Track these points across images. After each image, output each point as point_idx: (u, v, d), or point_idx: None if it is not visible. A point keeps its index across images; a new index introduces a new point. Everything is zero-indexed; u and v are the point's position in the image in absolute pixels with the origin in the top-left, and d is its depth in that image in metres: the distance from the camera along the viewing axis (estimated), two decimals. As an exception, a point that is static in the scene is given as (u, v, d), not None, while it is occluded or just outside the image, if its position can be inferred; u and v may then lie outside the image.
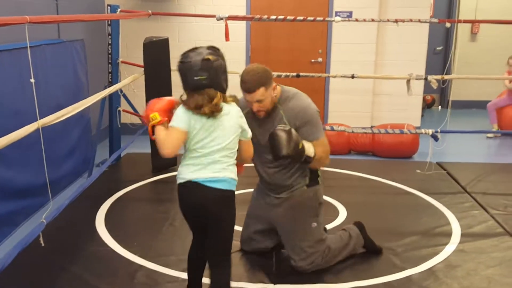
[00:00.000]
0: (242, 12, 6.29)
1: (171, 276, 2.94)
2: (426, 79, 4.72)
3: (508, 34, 7.67)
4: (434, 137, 4.73)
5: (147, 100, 4.66)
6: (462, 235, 3.54)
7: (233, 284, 2.53)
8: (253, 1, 6.32)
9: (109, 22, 5.00)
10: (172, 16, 5.87)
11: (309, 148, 2.75)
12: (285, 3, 6.34)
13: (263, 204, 3.11)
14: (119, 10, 4.91)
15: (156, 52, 4.47)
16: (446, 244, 3.39)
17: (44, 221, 2.77)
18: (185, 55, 2.35)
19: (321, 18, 4.80)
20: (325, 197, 3.90)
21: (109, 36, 5.02)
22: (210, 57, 2.30)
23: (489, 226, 3.69)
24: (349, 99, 6.54)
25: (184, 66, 2.32)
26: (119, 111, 5.20)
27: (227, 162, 2.39)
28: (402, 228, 3.67)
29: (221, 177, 2.36)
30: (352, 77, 5.01)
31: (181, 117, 2.34)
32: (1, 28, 2.42)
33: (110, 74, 5.08)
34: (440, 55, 8.91)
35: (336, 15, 6.29)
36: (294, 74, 5.00)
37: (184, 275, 2.73)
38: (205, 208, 2.38)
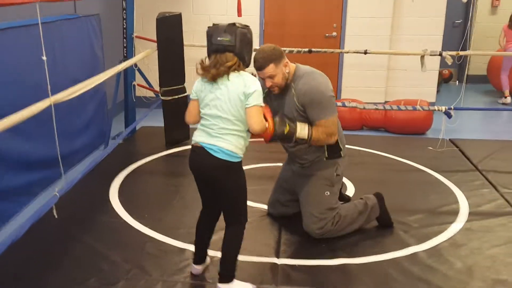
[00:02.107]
0: (257, -14, 6.25)
1: (179, 248, 3.04)
2: (441, 55, 4.66)
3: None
4: (447, 114, 4.71)
5: (160, 75, 4.73)
6: (470, 213, 3.56)
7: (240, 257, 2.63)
8: (267, -26, 6.27)
9: (123, -4, 5.02)
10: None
11: (301, 131, 2.88)
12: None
13: (290, 171, 3.32)
14: (133, -16, 4.92)
15: (169, 27, 4.50)
16: (453, 222, 3.42)
17: (57, 194, 2.88)
18: (216, 23, 2.49)
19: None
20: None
21: (124, 11, 5.05)
22: (237, 24, 2.44)
23: (498, 205, 3.71)
24: (363, 74, 6.50)
25: (211, 29, 2.45)
26: (134, 85, 5.26)
27: (228, 132, 2.45)
28: (410, 205, 3.71)
29: (218, 146, 2.44)
30: (365, 53, 4.99)
31: (193, 88, 2.55)
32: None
33: (125, 49, 5.13)
34: (459, 29, 8.76)
35: (351, -12, 6.21)
36: (306, 49, 4.96)
37: (192, 247, 2.82)
38: (205, 173, 2.52)
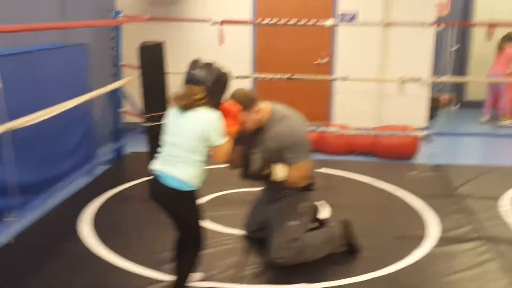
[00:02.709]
0: (249, 14, 6.40)
1: (138, 274, 3.08)
2: (419, 80, 4.71)
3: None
4: (428, 139, 4.73)
5: (144, 102, 4.84)
6: (440, 238, 3.55)
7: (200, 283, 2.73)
8: (259, 3, 6.42)
9: (113, 27, 5.20)
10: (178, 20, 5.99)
11: (280, 173, 2.99)
12: (290, 5, 6.41)
13: (264, 197, 3.41)
14: (121, 15, 5.10)
15: (151, 55, 4.63)
16: (420, 247, 3.42)
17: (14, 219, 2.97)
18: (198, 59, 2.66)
19: (312, 23, 4.83)
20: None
21: (112, 40, 5.23)
22: (216, 64, 2.61)
23: (468, 231, 3.69)
24: (354, 99, 6.55)
25: (192, 62, 2.62)
26: (121, 112, 5.40)
27: (184, 161, 2.53)
28: (381, 229, 3.72)
29: (172, 174, 2.53)
30: (344, 79, 5.06)
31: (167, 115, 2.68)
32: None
33: (113, 77, 5.29)
34: (456, 54, 8.77)
35: (340, 16, 6.33)
36: (285, 77, 5.06)
37: (154, 273, 2.88)
38: (161, 200, 2.62)
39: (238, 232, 3.60)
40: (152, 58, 4.64)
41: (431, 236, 3.59)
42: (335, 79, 5.18)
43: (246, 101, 2.92)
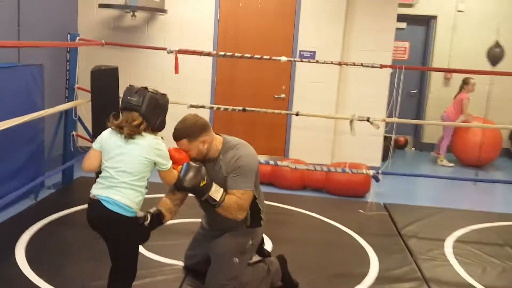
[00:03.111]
0: (210, 46, 6.46)
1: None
2: (368, 120, 4.80)
3: (479, 80, 7.76)
4: (375, 178, 4.79)
5: (93, 127, 4.78)
6: (377, 278, 3.56)
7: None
8: (220, 36, 6.49)
9: (68, 49, 5.16)
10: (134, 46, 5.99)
11: (215, 192, 2.82)
12: (251, 40, 6.50)
13: (206, 230, 3.30)
14: (77, 38, 5.08)
15: (104, 80, 4.60)
16: (356, 285, 3.41)
17: None
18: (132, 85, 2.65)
19: (268, 57, 4.90)
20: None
21: (68, 62, 5.18)
22: (151, 89, 2.60)
23: (407, 271, 3.71)
24: (310, 135, 6.62)
25: (127, 88, 2.62)
26: (73, 135, 5.31)
27: (127, 186, 2.51)
28: (321, 266, 3.71)
29: (113, 198, 2.50)
30: (297, 114, 5.13)
31: (100, 138, 2.65)
32: None
33: (66, 99, 5.22)
34: (414, 98, 9.03)
35: (299, 54, 6.45)
36: (241, 108, 5.09)
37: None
38: (100, 225, 2.58)
39: (178, 263, 3.52)
40: (103, 82, 4.61)
41: (370, 275, 3.59)
42: (287, 113, 5.22)
43: (193, 130, 2.87)
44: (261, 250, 3.42)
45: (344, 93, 6.63)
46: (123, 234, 2.57)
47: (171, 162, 2.67)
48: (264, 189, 5.72)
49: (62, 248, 3.79)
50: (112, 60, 6.09)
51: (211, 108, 5.48)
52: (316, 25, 6.44)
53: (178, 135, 2.88)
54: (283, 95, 6.61)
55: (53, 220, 4.27)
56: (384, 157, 7.89)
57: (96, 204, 2.54)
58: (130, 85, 2.64)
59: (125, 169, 2.51)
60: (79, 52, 5.47)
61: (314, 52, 6.48)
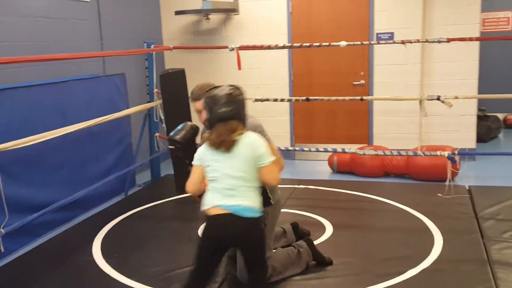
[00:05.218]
0: (285, 39, 6.53)
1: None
2: (438, 98, 4.53)
3: None
4: (451, 159, 4.51)
5: (167, 128, 5.11)
6: (436, 260, 3.37)
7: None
8: (294, 28, 6.53)
9: (146, 57, 5.58)
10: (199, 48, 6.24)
11: None
12: (325, 27, 6.45)
13: None
14: (152, 46, 5.47)
15: (172, 82, 4.90)
16: (411, 268, 3.27)
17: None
18: (209, 91, 2.61)
19: (337, 43, 4.85)
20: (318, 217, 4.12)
21: (146, 69, 5.60)
22: (233, 91, 2.56)
23: (471, 253, 3.46)
24: (395, 120, 6.39)
25: (210, 100, 2.56)
26: (156, 136, 5.72)
27: (248, 190, 2.51)
28: (375, 250, 3.64)
29: (243, 205, 2.47)
30: (361, 99, 4.99)
31: (198, 154, 2.60)
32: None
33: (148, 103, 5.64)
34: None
35: (377, 36, 6.26)
36: (304, 98, 5.09)
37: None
38: (235, 238, 2.53)
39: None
40: (172, 84, 4.91)
41: (429, 258, 3.41)
42: (350, 99, 5.10)
43: (201, 92, 2.96)
44: (298, 231, 3.49)
45: (429, 73, 6.28)
46: (262, 237, 2.59)
47: (273, 158, 2.57)
48: (344, 177, 5.73)
49: (135, 239, 4.11)
50: (192, 63, 6.46)
51: (291, 100, 5.52)
52: (392, 3, 6.21)
53: (199, 96, 2.99)
54: (362, 81, 6.45)
55: (133, 214, 4.65)
56: (487, 138, 7.37)
57: (224, 216, 2.47)
58: (210, 91, 2.57)
59: (238, 174, 2.48)
60: (165, 58, 5.84)
61: (392, 33, 6.24)
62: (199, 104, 3.02)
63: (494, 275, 3.12)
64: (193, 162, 2.59)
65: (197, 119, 3.14)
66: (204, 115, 2.96)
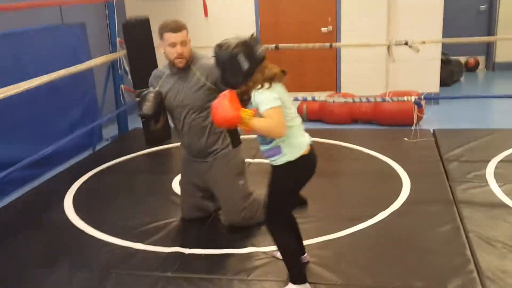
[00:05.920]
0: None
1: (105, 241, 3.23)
2: (406, 43, 4.55)
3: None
4: (417, 104, 4.59)
5: (132, 77, 4.99)
6: (404, 203, 3.48)
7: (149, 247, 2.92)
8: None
9: (106, 5, 5.36)
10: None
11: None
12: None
13: (194, 172, 3.31)
14: (112, -7, 5.25)
15: (137, 31, 4.74)
16: (381, 210, 3.37)
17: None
18: (228, 43, 2.39)
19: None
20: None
21: (107, 18, 5.39)
22: (248, 37, 2.41)
23: (438, 194, 3.59)
24: (361, 67, 6.41)
25: (247, 47, 2.37)
26: (121, 88, 5.58)
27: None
28: (344, 195, 3.75)
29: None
30: (331, 46, 4.96)
31: (277, 94, 2.43)
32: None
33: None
34: (484, 14, 8.35)
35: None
36: (273, 46, 5.03)
37: (127, 244, 3.11)
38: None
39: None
40: (136, 34, 4.75)
41: (398, 200, 3.52)
42: (320, 46, 5.05)
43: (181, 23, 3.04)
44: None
45: (395, 19, 6.28)
46: None
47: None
48: (313, 125, 5.78)
49: (107, 194, 4.06)
50: (155, 11, 6.23)
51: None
52: None
53: (183, 25, 3.03)
54: (330, 27, 6.41)
55: (104, 169, 4.58)
56: (449, 82, 7.51)
57: (314, 151, 2.58)
58: (242, 42, 2.37)
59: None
60: (126, 7, 5.60)
61: (357, -22, 6.17)
62: (182, 36, 2.98)
63: (460, 214, 3.25)
64: (274, 104, 2.38)
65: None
66: (184, 48, 2.99)
